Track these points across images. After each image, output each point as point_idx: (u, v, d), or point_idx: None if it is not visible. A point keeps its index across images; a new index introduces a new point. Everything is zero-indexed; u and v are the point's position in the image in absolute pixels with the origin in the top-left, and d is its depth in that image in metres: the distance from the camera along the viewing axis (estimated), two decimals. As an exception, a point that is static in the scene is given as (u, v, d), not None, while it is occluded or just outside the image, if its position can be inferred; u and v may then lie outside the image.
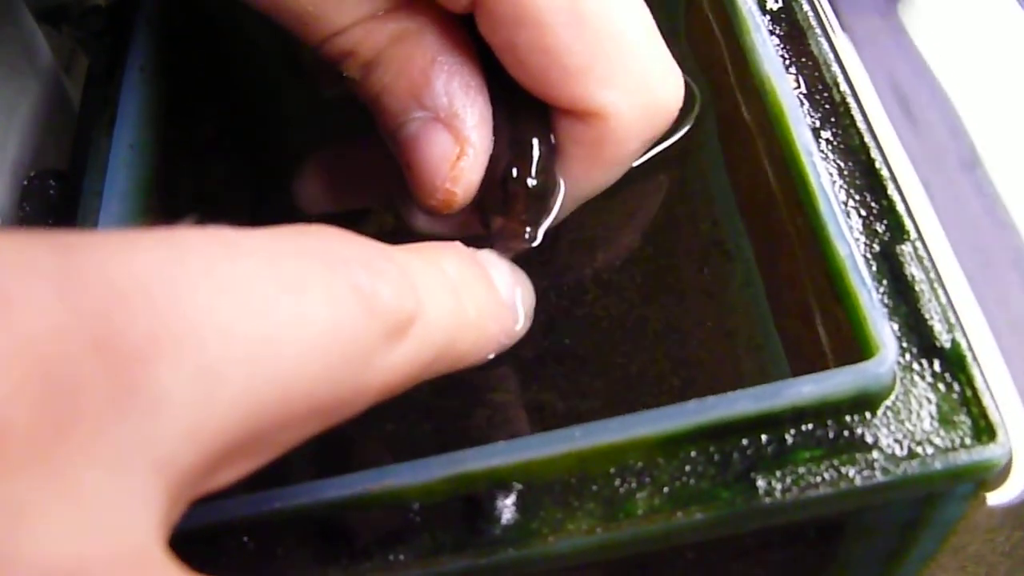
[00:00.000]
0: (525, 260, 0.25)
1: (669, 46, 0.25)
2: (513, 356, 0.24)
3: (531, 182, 0.25)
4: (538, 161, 0.25)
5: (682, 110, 0.25)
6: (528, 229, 0.25)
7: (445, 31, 0.25)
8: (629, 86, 0.24)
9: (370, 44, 0.24)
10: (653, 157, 0.27)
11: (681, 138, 0.28)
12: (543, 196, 0.25)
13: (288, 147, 0.33)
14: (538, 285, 0.25)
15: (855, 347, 0.21)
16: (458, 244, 0.23)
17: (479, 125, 0.24)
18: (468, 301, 0.21)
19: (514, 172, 0.24)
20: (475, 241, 0.24)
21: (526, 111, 0.25)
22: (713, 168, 0.29)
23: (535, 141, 0.25)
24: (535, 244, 0.25)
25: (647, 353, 0.26)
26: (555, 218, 0.26)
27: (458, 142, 0.24)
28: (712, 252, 0.27)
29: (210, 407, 0.14)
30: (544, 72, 0.23)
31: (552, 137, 0.25)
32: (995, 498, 0.25)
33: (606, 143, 0.24)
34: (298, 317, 0.16)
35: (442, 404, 0.26)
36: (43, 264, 0.14)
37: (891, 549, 0.24)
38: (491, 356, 0.23)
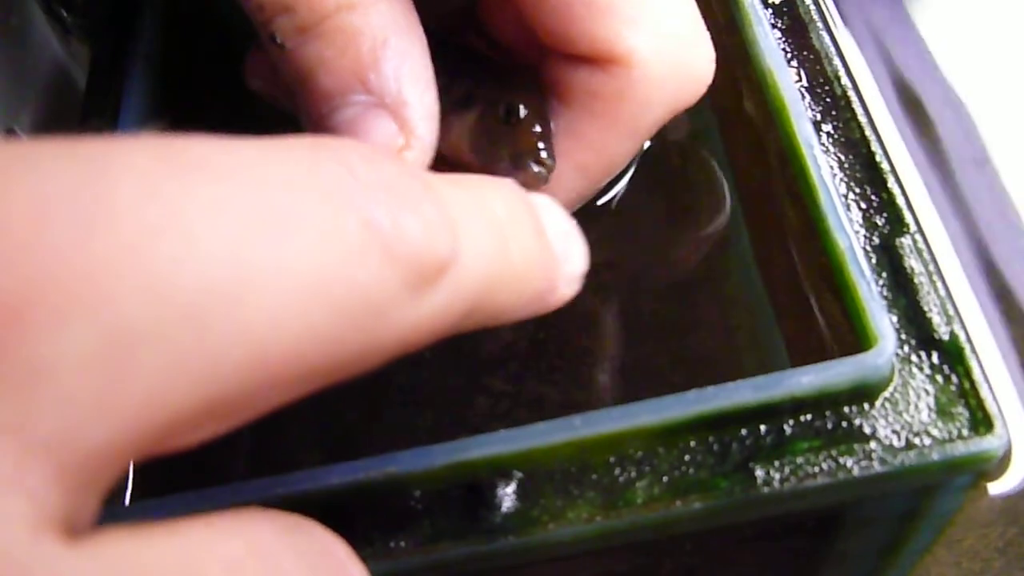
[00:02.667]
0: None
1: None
2: (512, 348, 0.24)
3: (527, 115, 0.22)
4: (531, 104, 0.22)
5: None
6: (542, 154, 0.22)
7: (401, 10, 0.21)
8: (660, 32, 0.21)
9: (315, 5, 0.21)
10: (651, 148, 0.27)
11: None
12: (543, 118, 0.22)
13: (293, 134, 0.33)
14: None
15: (854, 338, 0.21)
16: (510, 180, 0.20)
17: (428, 119, 0.21)
18: (515, 246, 0.18)
19: (504, 109, 0.22)
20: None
21: (514, 84, 0.23)
22: (714, 161, 0.29)
23: (523, 91, 0.23)
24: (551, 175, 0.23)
25: (646, 346, 0.26)
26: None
27: (403, 132, 0.21)
28: (712, 245, 0.27)
29: (129, 376, 0.12)
30: (565, 6, 0.21)
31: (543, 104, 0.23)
32: (994, 488, 0.25)
33: (628, 99, 0.22)
34: (276, 260, 0.13)
35: (443, 394, 0.26)
36: None
37: (888, 541, 0.24)
38: (531, 316, 0.19)
